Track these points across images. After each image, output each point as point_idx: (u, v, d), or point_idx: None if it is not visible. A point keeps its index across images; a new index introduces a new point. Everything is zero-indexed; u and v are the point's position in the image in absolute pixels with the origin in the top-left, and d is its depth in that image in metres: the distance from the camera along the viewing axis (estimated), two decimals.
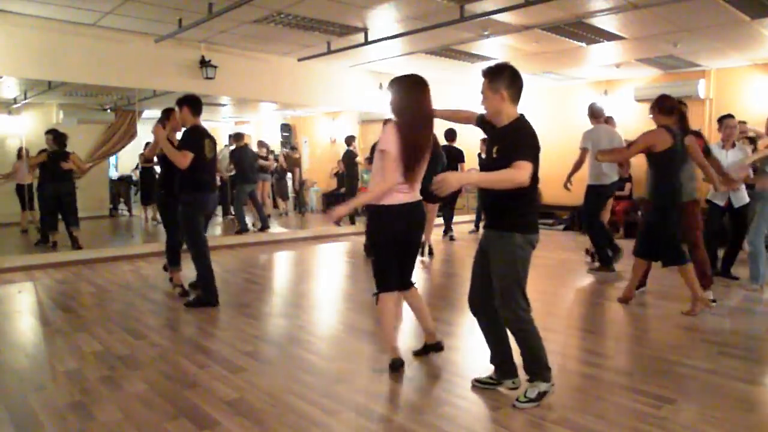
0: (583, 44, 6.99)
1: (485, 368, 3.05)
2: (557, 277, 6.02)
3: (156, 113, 4.67)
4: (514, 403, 2.76)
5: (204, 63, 7.22)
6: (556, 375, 3.22)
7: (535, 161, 2.60)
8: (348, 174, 10.05)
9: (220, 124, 11.21)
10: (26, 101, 7.40)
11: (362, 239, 7.49)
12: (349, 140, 9.89)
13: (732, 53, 7.43)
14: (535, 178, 2.62)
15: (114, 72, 6.62)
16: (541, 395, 2.78)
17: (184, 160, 4.44)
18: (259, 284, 5.63)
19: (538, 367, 2.80)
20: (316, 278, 6.46)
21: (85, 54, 6.40)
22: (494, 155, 2.70)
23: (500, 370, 2.96)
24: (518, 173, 2.52)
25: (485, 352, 3.01)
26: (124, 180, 9.99)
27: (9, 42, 5.95)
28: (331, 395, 2.87)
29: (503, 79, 2.67)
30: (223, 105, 9.53)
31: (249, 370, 3.25)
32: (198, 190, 4.60)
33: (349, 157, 9.88)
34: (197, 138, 4.57)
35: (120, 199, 10.11)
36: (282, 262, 7.23)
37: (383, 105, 9.45)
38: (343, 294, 5.49)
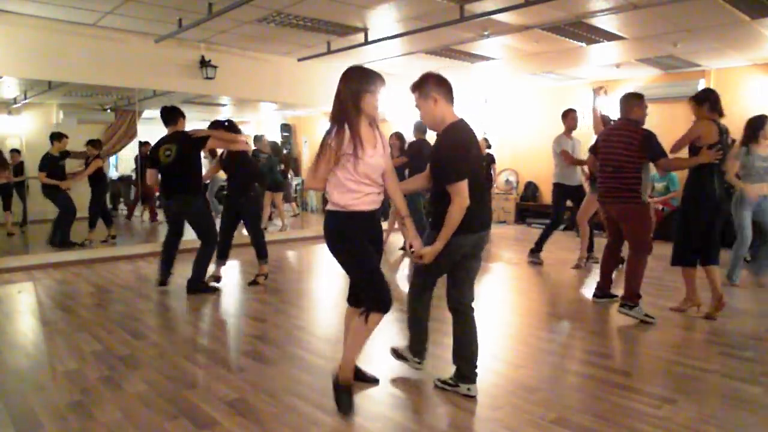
0: (583, 44, 6.98)
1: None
2: (557, 277, 6.02)
3: (156, 113, 4.65)
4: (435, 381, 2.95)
5: (204, 63, 7.23)
6: (556, 375, 3.23)
7: (467, 169, 2.59)
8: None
9: None
10: (26, 101, 7.39)
11: None
12: None
13: (732, 53, 7.42)
14: (477, 177, 2.69)
15: (114, 72, 6.61)
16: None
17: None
18: (259, 284, 5.61)
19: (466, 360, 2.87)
20: (316, 278, 6.46)
21: (85, 54, 6.39)
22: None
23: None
24: (457, 202, 2.57)
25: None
26: (124, 180, 9.97)
27: (9, 42, 5.95)
28: (331, 395, 2.85)
29: (430, 82, 2.71)
30: (223, 105, 9.54)
31: (249, 370, 3.25)
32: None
33: None
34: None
35: (120, 199, 10.10)
36: (282, 262, 7.22)
37: (383, 105, 9.50)
38: (344, 294, 5.42)
